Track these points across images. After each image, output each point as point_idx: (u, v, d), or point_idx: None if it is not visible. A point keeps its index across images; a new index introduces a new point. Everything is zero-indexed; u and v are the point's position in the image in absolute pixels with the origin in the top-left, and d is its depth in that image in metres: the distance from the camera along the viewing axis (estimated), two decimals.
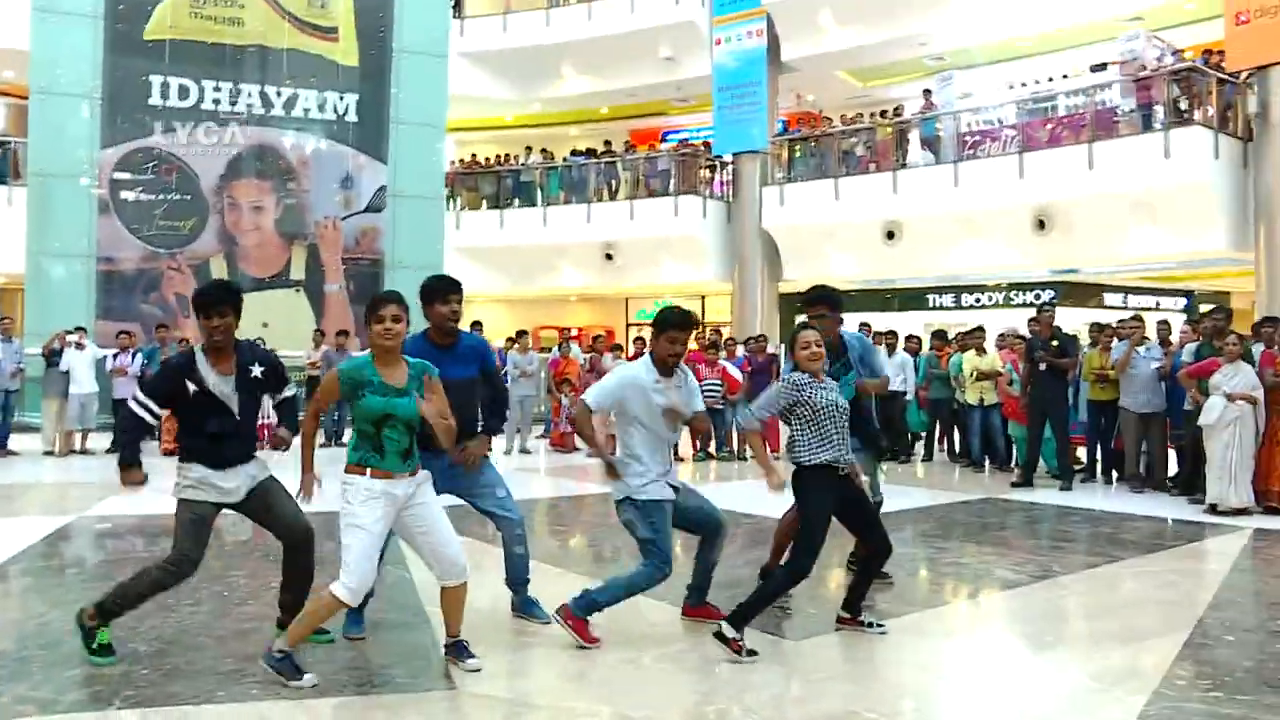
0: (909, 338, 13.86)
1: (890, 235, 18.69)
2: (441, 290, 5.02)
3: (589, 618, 4.91)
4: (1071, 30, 18.57)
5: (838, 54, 20.31)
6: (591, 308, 25.92)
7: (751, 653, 4.66)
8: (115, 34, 18.03)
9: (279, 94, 19.22)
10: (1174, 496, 9.92)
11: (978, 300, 20.94)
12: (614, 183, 22.07)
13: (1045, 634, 5.32)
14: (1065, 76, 18.18)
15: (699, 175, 21.36)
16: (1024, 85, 18.56)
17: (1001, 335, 12.77)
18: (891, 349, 13.26)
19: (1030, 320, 10.89)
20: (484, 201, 22.57)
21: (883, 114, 19.70)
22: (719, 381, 13.50)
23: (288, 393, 4.98)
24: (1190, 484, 9.77)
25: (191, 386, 4.54)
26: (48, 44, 17.63)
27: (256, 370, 4.69)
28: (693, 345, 15.13)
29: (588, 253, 21.82)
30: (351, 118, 19.71)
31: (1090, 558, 7.13)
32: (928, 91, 19.06)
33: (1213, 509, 8.88)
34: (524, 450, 14.24)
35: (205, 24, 18.60)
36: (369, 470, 4.25)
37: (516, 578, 5.27)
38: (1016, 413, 11.41)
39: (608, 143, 23.64)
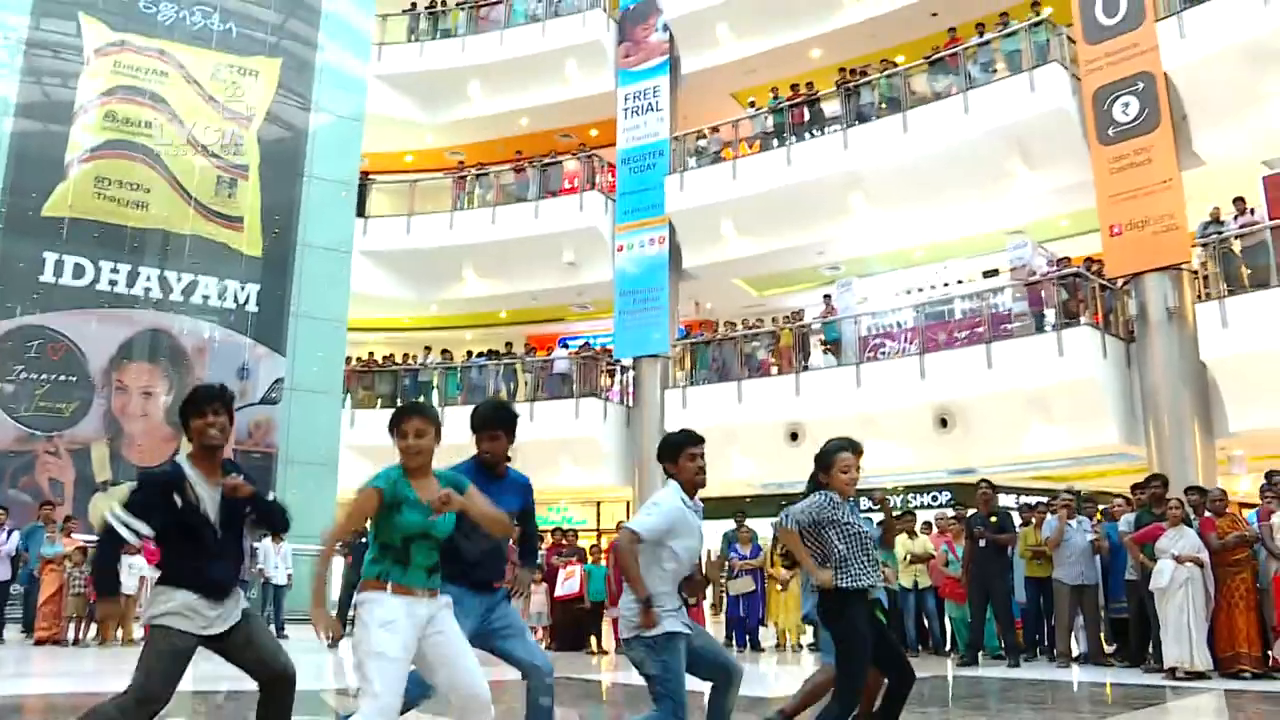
0: None
1: (794, 436, 18.89)
2: (485, 425, 4.96)
3: None
4: (959, 242, 19.68)
5: (737, 261, 21.00)
6: None
7: None
8: (10, 208, 17.58)
9: (179, 279, 18.91)
10: (1122, 667, 9.85)
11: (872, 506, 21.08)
12: (513, 385, 21.96)
13: None
14: (960, 282, 19.13)
15: (600, 379, 21.44)
16: (920, 290, 19.45)
17: (926, 523, 12.87)
18: None
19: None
20: (379, 400, 22.15)
21: (785, 319, 20.27)
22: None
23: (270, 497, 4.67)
24: (1140, 654, 9.73)
25: (178, 500, 4.18)
26: None
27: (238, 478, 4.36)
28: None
29: None
30: (251, 307, 19.43)
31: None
32: (827, 297, 19.77)
33: (1171, 673, 8.80)
34: None
35: (107, 204, 18.34)
36: (390, 585, 3.94)
37: None
38: (954, 593, 11.32)
39: (508, 344, 23.66)
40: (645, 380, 21.03)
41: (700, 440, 4.96)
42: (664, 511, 4.78)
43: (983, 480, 11.64)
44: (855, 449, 5.03)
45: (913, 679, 4.95)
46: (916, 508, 19.76)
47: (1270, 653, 9.00)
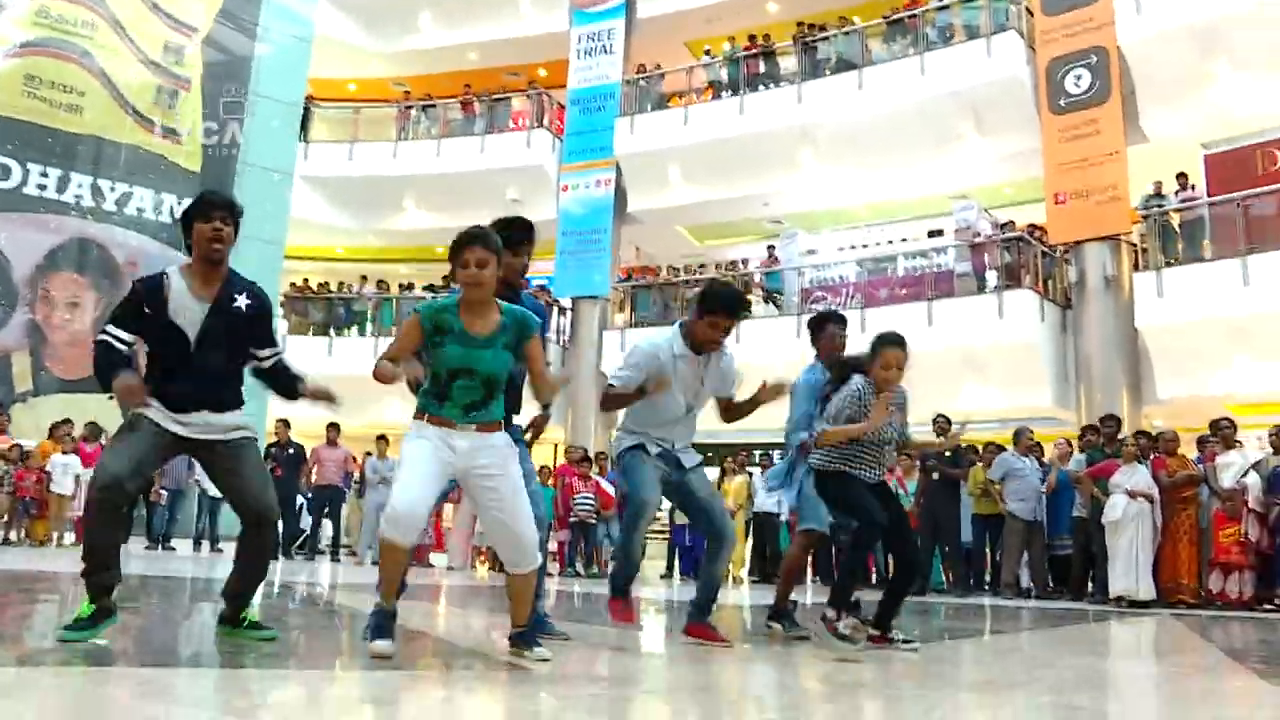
0: None
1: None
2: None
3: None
4: (903, 203, 20.03)
5: (682, 208, 21.07)
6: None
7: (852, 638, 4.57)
8: None
9: (112, 188, 18.29)
10: (1067, 599, 10.24)
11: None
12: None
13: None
14: (904, 240, 19.48)
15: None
16: (864, 247, 19.76)
17: None
18: (765, 470, 13.38)
19: None
20: (311, 328, 21.74)
21: (728, 265, 20.43)
22: (592, 496, 13.20)
23: (272, 351, 4.29)
24: (1082, 587, 10.15)
25: (147, 310, 3.97)
26: None
27: (241, 301, 4.10)
28: (563, 460, 14.94)
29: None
30: None
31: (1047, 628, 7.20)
32: (771, 248, 19.96)
33: (1117, 602, 9.20)
34: (376, 563, 13.31)
35: (38, 104, 17.62)
36: (427, 415, 3.87)
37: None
38: None
39: (445, 278, 23.38)
40: (583, 321, 20.99)
41: (731, 314, 4.93)
42: (639, 357, 4.89)
43: (939, 415, 11.94)
44: (904, 348, 4.95)
45: (916, 570, 5.24)
46: None
47: (1207, 584, 9.48)
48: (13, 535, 13.00)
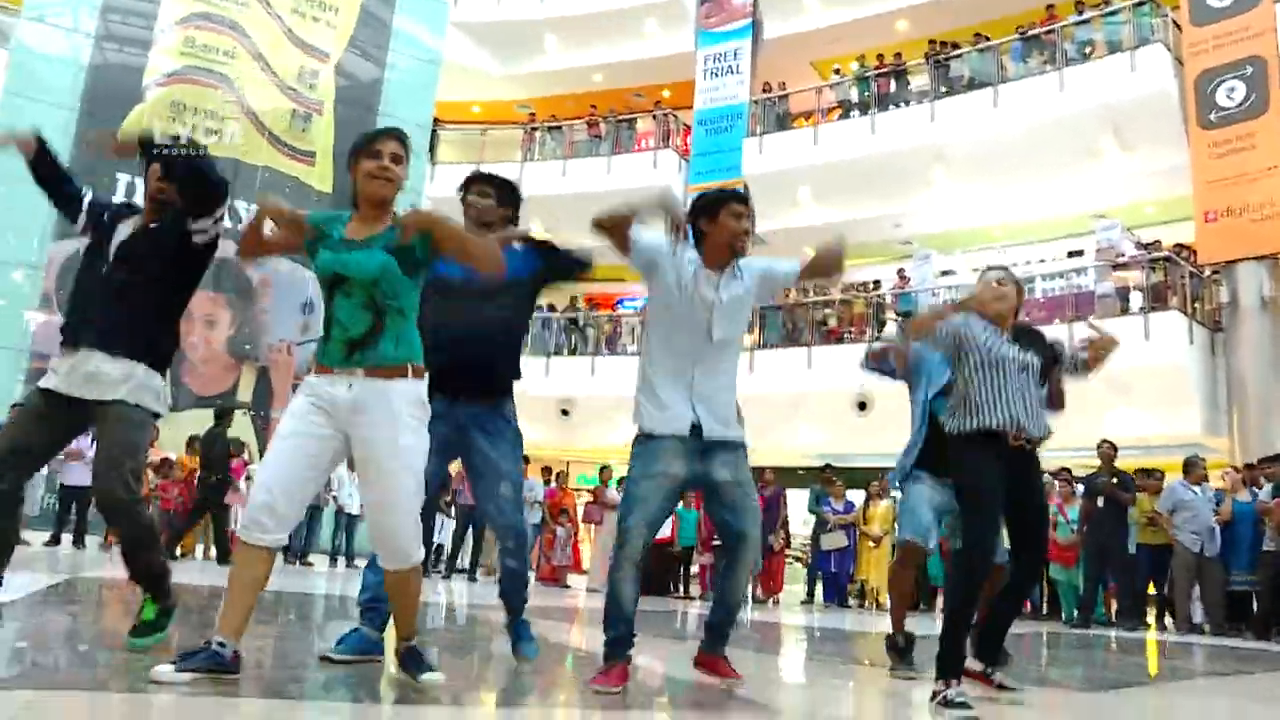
0: None
1: (862, 406, 18.74)
2: (477, 180, 4.32)
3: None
4: (1040, 223, 19.51)
5: (811, 229, 20.80)
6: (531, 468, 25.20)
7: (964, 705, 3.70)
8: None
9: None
10: (1247, 638, 9.76)
11: None
12: (574, 339, 21.88)
13: None
14: (1042, 261, 18.97)
15: None
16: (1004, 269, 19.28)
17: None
18: None
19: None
20: None
21: (857, 287, 20.13)
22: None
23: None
24: (1268, 626, 9.66)
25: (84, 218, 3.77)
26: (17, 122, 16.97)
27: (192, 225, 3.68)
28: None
29: (544, 406, 21.31)
30: None
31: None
32: (901, 270, 19.61)
33: None
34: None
35: (182, 130, 18.13)
36: (316, 366, 3.21)
37: (505, 594, 4.21)
38: (1061, 557, 11.21)
39: (572, 298, 23.56)
40: None
41: (745, 200, 3.99)
42: (660, 243, 3.92)
43: (1104, 440, 11.53)
44: (1009, 273, 4.44)
45: (1035, 577, 4.47)
46: None
47: None
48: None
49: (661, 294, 3.92)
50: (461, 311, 3.70)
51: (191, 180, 3.68)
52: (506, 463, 3.98)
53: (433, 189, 21.97)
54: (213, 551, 12.74)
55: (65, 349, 3.54)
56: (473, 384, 3.91)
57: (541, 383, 21.03)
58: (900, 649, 4.92)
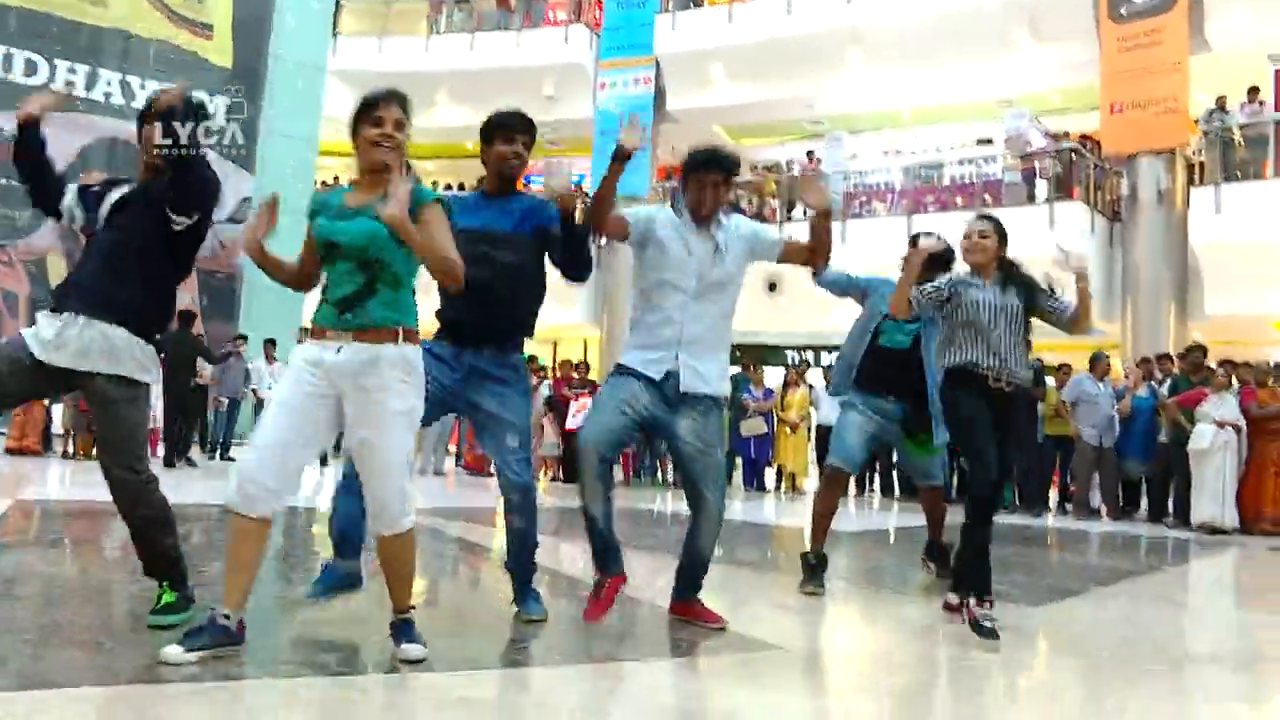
0: None
1: (772, 287, 19.06)
2: (508, 126, 3.99)
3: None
4: (949, 108, 19.78)
5: (721, 109, 20.78)
6: None
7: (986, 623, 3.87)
8: None
9: (142, 86, 17.81)
10: (1139, 522, 10.52)
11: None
12: None
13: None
14: (952, 148, 19.31)
15: None
16: (913, 153, 19.59)
17: None
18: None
19: None
20: None
21: (771, 168, 20.24)
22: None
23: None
24: (1160, 511, 10.42)
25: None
26: None
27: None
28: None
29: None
30: (220, 121, 18.49)
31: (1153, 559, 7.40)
32: (811, 152, 19.76)
33: (1200, 528, 9.45)
34: (438, 472, 13.51)
35: None
36: (312, 328, 3.16)
37: (512, 554, 3.93)
38: None
39: (481, 179, 23.11)
40: None
41: (713, 167, 4.02)
42: (650, 210, 4.06)
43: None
44: (992, 224, 4.61)
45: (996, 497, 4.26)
46: None
47: None
48: (69, 448, 12.95)
49: (654, 254, 4.00)
50: (472, 259, 3.39)
51: (179, 182, 3.51)
52: (513, 414, 3.81)
53: (334, 61, 21.18)
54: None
55: (51, 313, 3.34)
56: (481, 331, 3.77)
57: None
58: (813, 566, 5.02)
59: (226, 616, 2.98)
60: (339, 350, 3.04)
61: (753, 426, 13.47)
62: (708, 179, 3.98)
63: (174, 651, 2.85)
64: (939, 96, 19.41)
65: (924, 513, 5.62)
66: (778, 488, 14.08)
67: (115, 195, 3.57)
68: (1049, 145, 17.02)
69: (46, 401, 12.66)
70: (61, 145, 17.03)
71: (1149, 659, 3.77)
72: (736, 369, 14.93)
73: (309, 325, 3.20)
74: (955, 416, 4.34)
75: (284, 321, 16.64)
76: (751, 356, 16.27)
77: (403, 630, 3.16)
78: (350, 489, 3.56)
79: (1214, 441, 9.43)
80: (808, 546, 5.10)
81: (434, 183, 22.85)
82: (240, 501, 2.97)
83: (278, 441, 2.99)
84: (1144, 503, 11.11)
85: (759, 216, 19.43)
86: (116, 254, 3.40)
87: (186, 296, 17.68)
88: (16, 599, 3.64)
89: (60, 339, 3.28)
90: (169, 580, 3.48)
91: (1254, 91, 15.46)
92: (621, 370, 3.94)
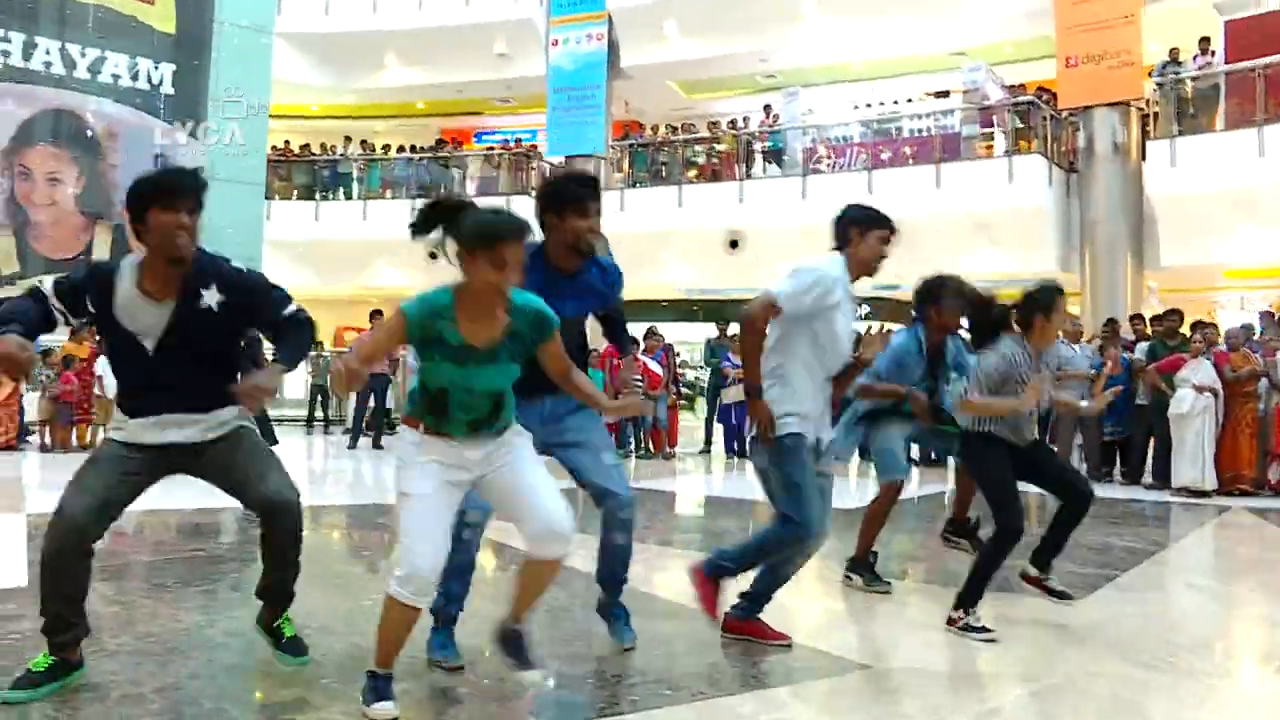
0: None
1: (733, 244, 19.15)
2: (581, 199, 3.68)
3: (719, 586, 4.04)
4: (901, 60, 19.85)
5: (676, 64, 20.65)
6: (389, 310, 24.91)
7: (985, 629, 4.21)
8: None
9: (83, 53, 17.33)
10: (1121, 484, 10.86)
11: None
12: (439, 181, 21.38)
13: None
14: (909, 100, 19.40)
15: (529, 178, 21.03)
16: (868, 106, 19.65)
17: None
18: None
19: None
20: (295, 192, 21.20)
21: (731, 124, 20.20)
22: (641, 377, 13.39)
23: (285, 312, 3.38)
24: (1139, 473, 10.77)
25: (89, 304, 3.23)
26: None
27: (210, 298, 3.24)
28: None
29: (410, 251, 20.88)
30: (167, 89, 18.08)
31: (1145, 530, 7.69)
32: (768, 107, 19.74)
33: (1180, 490, 9.81)
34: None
35: None
36: (424, 427, 3.15)
37: (611, 574, 3.95)
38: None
39: (439, 141, 22.84)
40: None
41: (893, 228, 4.23)
42: (816, 277, 3.93)
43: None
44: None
45: (1089, 502, 4.60)
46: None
47: (1265, 475, 10.16)
48: (46, 440, 12.78)
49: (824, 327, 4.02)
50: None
51: (243, 305, 3.33)
52: (598, 434, 3.86)
53: (279, 23, 20.67)
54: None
55: (143, 419, 3.28)
56: (548, 386, 3.58)
57: (407, 225, 20.59)
58: (870, 566, 5.28)
59: (390, 674, 3.13)
60: (478, 449, 3.13)
61: (734, 394, 13.60)
62: (890, 235, 4.18)
63: (384, 709, 3.03)
64: (893, 49, 19.46)
65: (960, 488, 5.59)
66: None
67: (139, 311, 3.23)
68: (1006, 98, 17.18)
69: (22, 391, 12.46)
70: (2, 118, 16.74)
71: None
72: (713, 334, 15.10)
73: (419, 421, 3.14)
74: (994, 474, 4.45)
75: None
76: (715, 316, 16.39)
77: (520, 644, 3.30)
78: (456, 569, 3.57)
79: (1193, 406, 9.74)
80: (857, 550, 5.29)
81: (384, 146, 22.52)
82: (413, 597, 3.06)
83: (441, 545, 3.09)
84: (1118, 465, 11.46)
85: (714, 174, 19.48)
86: (192, 380, 3.28)
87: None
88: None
89: (174, 426, 3.26)
90: (283, 606, 3.52)
91: (1205, 42, 15.70)
92: (801, 438, 3.97)
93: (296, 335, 3.40)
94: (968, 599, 4.31)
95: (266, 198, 20.75)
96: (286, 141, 22.38)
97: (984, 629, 4.21)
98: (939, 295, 5.25)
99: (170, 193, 3.14)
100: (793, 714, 3.33)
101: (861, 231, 4.12)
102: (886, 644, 3.75)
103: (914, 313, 5.43)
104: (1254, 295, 18.14)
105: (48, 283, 3.26)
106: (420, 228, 3.08)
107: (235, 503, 3.42)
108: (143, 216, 3.14)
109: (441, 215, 3.05)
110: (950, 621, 4.28)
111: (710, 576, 4.06)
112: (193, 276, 3.22)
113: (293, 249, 20.51)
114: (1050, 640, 4.31)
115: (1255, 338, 11.04)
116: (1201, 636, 4.64)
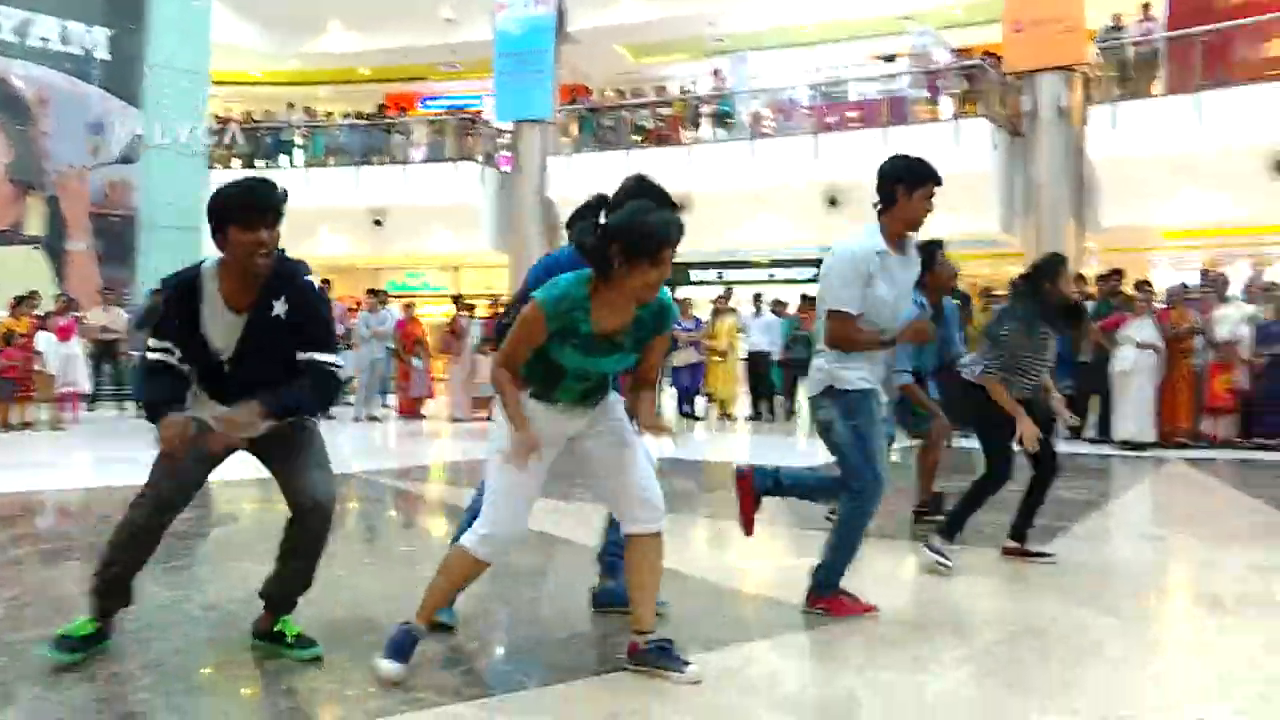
0: (775, 301, 14.53)
1: (681, 208, 19.11)
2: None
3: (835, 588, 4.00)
4: (849, 23, 19.93)
5: (623, 27, 20.58)
6: (341, 278, 24.60)
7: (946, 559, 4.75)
8: None
9: (7, 15, 16.78)
10: (1068, 439, 11.11)
11: (771, 275, 21.43)
12: (384, 147, 21.15)
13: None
14: (858, 65, 19.51)
15: (476, 143, 20.86)
16: (817, 70, 19.72)
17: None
18: (758, 311, 13.90)
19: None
20: (237, 160, 20.84)
21: (680, 88, 20.18)
22: None
23: (318, 357, 3.34)
24: (1078, 427, 11.02)
25: (177, 320, 3.29)
26: None
27: (279, 308, 3.26)
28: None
29: (355, 218, 20.73)
30: (102, 54, 17.59)
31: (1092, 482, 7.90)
32: (717, 71, 19.75)
33: (1122, 444, 10.10)
34: (373, 417, 13.45)
35: None
36: (531, 392, 3.18)
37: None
38: None
39: (381, 106, 22.53)
40: (525, 145, 20.58)
41: (939, 180, 4.12)
42: (850, 264, 3.92)
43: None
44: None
45: (1057, 473, 5.09)
46: (795, 281, 20.65)
47: (1200, 427, 10.52)
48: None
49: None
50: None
51: (305, 324, 3.34)
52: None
53: None
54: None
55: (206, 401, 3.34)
56: None
57: (352, 192, 20.41)
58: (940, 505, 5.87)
59: (420, 635, 3.19)
60: (576, 419, 3.23)
61: (684, 357, 13.71)
62: (932, 188, 4.06)
63: (391, 668, 3.07)
64: (842, 12, 19.53)
65: (922, 467, 6.12)
66: (708, 415, 14.42)
67: (217, 315, 3.30)
68: (953, 61, 17.33)
69: None
70: None
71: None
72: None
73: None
74: (992, 425, 4.90)
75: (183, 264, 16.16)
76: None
77: (665, 649, 3.19)
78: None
79: (1136, 363, 10.00)
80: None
81: (328, 112, 22.20)
82: (490, 555, 3.17)
83: (526, 513, 3.20)
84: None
85: (662, 137, 19.46)
86: (274, 371, 3.29)
87: (82, 244, 17.05)
88: None
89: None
90: (288, 609, 3.46)
91: (1146, 8, 15.95)
92: (867, 395, 3.98)
93: (309, 386, 3.33)
94: (949, 530, 4.87)
95: (208, 167, 20.44)
96: (229, 109, 21.98)
97: (946, 558, 4.71)
98: (932, 257, 5.57)
99: (249, 210, 3.16)
100: (774, 666, 3.42)
101: (908, 190, 4.01)
102: (859, 596, 3.83)
103: None
104: (1191, 255, 18.53)
105: (150, 341, 3.32)
106: (589, 235, 3.07)
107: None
108: (223, 231, 3.17)
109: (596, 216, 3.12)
110: (930, 546, 4.80)
111: (758, 489, 4.17)
112: (269, 287, 3.25)
113: None
114: (1013, 590, 4.49)
115: (1191, 295, 11.31)
116: (1152, 583, 4.94)
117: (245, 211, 3.15)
